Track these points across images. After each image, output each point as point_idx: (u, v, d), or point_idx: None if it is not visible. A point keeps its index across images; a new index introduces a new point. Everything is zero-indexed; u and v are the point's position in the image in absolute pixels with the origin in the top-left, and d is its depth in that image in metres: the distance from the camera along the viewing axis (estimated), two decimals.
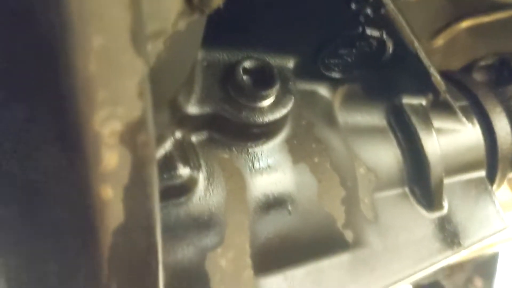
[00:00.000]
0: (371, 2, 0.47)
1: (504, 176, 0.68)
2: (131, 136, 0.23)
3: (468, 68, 0.71)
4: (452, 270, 2.02)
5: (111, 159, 0.23)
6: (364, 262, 0.51)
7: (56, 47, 0.21)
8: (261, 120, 0.45)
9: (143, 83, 0.23)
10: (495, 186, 0.69)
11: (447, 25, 0.89)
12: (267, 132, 0.48)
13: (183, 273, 0.43)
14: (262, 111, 0.46)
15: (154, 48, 0.31)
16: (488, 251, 1.54)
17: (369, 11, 0.47)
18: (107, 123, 0.22)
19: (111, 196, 0.24)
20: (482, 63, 0.71)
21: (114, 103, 0.22)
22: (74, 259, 0.28)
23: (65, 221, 0.26)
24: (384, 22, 0.49)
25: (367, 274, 0.51)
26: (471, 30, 0.90)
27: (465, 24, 0.89)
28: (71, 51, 0.21)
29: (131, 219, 0.25)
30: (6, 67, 0.22)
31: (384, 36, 0.50)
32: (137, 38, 0.22)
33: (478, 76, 0.70)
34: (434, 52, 0.92)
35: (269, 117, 0.46)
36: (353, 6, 0.47)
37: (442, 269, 1.99)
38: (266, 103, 0.46)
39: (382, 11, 0.47)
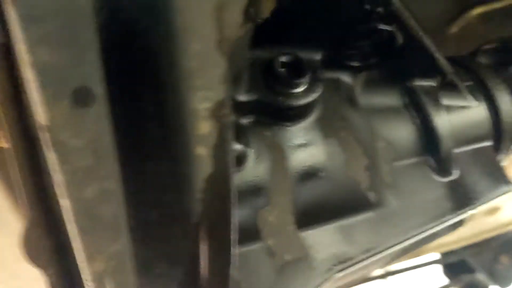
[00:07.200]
0: (381, 1, 0.57)
1: (510, 145, 0.76)
2: (218, 111, 0.34)
3: (474, 53, 0.80)
4: (479, 248, 2.08)
5: (205, 127, 0.34)
6: (386, 219, 0.61)
7: (169, 51, 0.32)
8: (295, 103, 0.56)
9: (226, 74, 0.33)
10: (502, 155, 0.77)
11: (460, 12, 0.97)
12: (301, 113, 0.58)
13: (240, 227, 0.54)
14: (296, 96, 0.56)
15: None
16: None
17: (380, 9, 0.57)
18: (202, 102, 0.33)
19: (204, 153, 0.35)
20: (486, 47, 0.79)
21: (207, 88, 0.33)
22: (172, 206, 0.39)
23: (167, 174, 0.37)
24: (393, 17, 0.59)
25: (390, 229, 0.61)
26: (482, 16, 0.98)
27: (477, 11, 0.97)
28: (179, 54, 0.32)
29: (217, 169, 0.36)
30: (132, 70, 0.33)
31: (394, 29, 0.60)
32: (221, 44, 0.33)
33: (483, 59, 0.78)
34: (448, 39, 1.00)
35: (302, 101, 0.56)
36: (367, 6, 0.57)
37: (470, 248, 2.05)
38: (299, 89, 0.56)
39: (391, 8, 0.57)
